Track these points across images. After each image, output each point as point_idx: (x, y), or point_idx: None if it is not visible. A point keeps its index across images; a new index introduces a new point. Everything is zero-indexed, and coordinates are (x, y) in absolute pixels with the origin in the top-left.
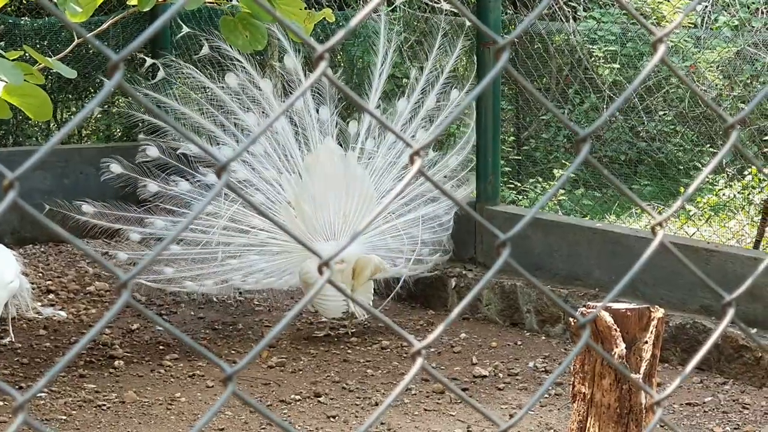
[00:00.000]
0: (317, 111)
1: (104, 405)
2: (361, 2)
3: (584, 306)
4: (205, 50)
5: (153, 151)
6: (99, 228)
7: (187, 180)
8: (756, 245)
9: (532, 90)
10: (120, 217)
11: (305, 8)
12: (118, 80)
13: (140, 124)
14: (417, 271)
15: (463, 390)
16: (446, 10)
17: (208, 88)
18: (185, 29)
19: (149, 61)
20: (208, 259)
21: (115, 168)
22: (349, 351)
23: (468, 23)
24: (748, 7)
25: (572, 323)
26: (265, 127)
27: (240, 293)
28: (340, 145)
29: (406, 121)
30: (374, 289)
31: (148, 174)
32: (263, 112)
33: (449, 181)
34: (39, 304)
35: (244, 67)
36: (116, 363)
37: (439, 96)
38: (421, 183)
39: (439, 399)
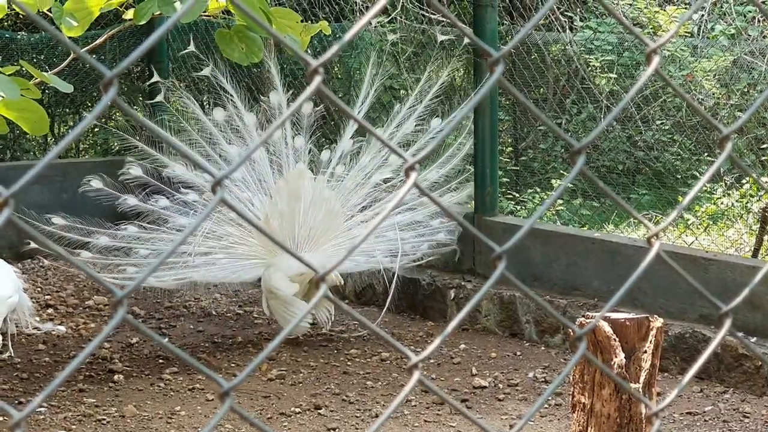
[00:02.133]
0: (293, 139)
1: (104, 419)
2: (358, 14)
3: (583, 316)
4: (207, 71)
5: (136, 171)
6: (67, 240)
7: (166, 197)
8: (755, 254)
9: (526, 103)
10: (90, 232)
11: (302, 21)
12: (112, 96)
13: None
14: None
15: (463, 401)
16: (443, 22)
17: (199, 119)
18: (191, 47)
19: (155, 77)
20: (177, 262)
21: (96, 183)
22: (349, 363)
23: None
24: (745, 16)
25: (571, 334)
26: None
27: (240, 306)
28: (312, 171)
29: (381, 149)
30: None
31: (128, 191)
32: (246, 145)
33: (439, 189)
34: (37, 319)
35: (233, 99)
36: (116, 377)
37: (419, 122)
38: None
39: (439, 410)
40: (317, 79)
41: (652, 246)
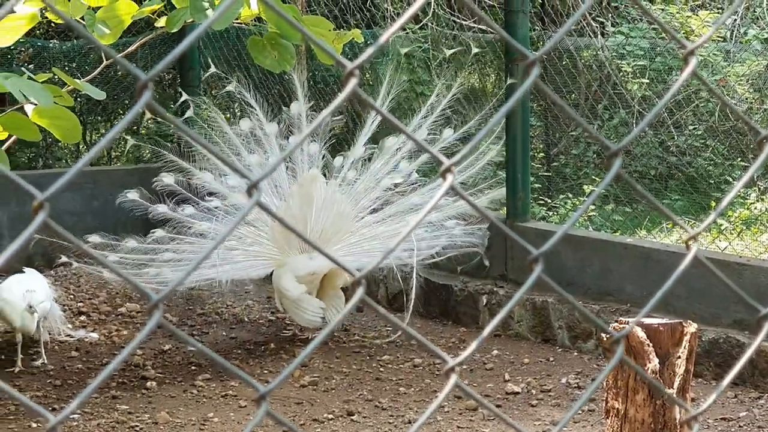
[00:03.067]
0: (308, 145)
1: (137, 426)
2: (389, 21)
3: (616, 321)
4: (231, 87)
5: (169, 179)
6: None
7: (192, 206)
8: None
9: (562, 104)
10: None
11: (333, 29)
12: (147, 99)
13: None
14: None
15: (496, 407)
16: (474, 28)
17: (225, 132)
18: (213, 68)
19: (184, 96)
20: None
21: (132, 195)
22: (382, 369)
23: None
24: None
25: (604, 339)
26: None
27: (272, 313)
28: (324, 175)
29: (392, 155)
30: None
31: (161, 200)
32: (266, 153)
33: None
34: (70, 326)
35: (257, 113)
36: (149, 384)
37: (432, 130)
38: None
39: (471, 416)
40: (353, 82)
41: (690, 250)
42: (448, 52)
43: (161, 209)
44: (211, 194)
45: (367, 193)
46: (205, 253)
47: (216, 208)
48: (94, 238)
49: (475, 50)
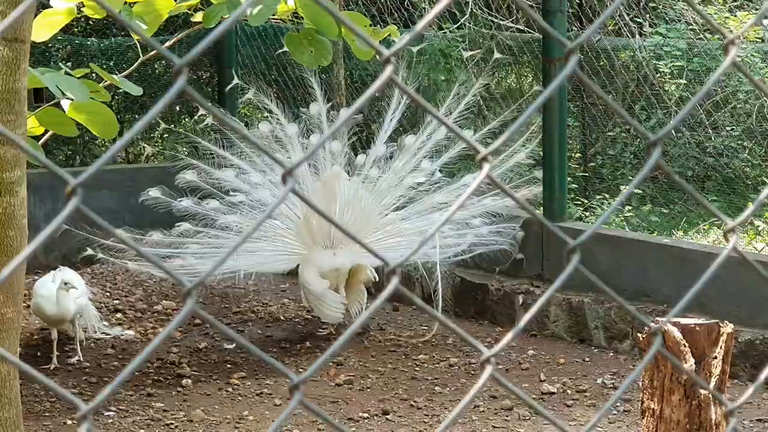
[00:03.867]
0: (330, 143)
1: (172, 424)
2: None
3: (653, 321)
4: (250, 95)
5: (190, 175)
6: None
7: (217, 200)
8: None
9: (602, 95)
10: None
11: (370, 26)
12: (182, 84)
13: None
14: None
15: (531, 407)
16: (512, 28)
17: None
18: (235, 80)
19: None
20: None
21: (154, 193)
22: (417, 368)
23: (533, 41)
24: None
25: (640, 339)
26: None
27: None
28: (348, 173)
29: (414, 153)
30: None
31: (183, 195)
32: (287, 153)
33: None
34: (105, 324)
35: (276, 116)
36: (184, 382)
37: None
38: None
39: (507, 416)
40: (389, 69)
41: (729, 241)
42: (466, 54)
43: (185, 203)
44: (235, 190)
45: (391, 190)
46: (243, 237)
47: (240, 202)
48: (119, 233)
49: (497, 55)
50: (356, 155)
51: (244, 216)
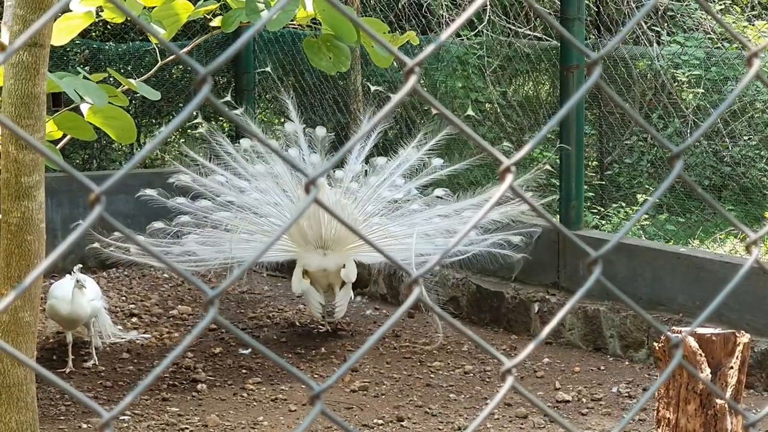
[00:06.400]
0: (309, 156)
1: (187, 428)
2: (444, 27)
3: (669, 330)
4: (239, 112)
5: (185, 178)
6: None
7: (209, 200)
8: None
9: (622, 104)
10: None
11: (389, 32)
12: (206, 93)
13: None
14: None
15: (546, 415)
16: (530, 36)
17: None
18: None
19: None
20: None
21: (150, 192)
22: (432, 375)
23: (550, 48)
24: None
25: (657, 348)
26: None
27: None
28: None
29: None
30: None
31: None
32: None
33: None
34: (120, 328)
35: (256, 135)
36: (199, 386)
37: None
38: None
39: (522, 424)
40: (413, 79)
41: (752, 254)
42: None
43: (180, 201)
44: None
45: (371, 201)
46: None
47: (230, 203)
48: (140, 239)
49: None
50: (334, 171)
51: (235, 213)
